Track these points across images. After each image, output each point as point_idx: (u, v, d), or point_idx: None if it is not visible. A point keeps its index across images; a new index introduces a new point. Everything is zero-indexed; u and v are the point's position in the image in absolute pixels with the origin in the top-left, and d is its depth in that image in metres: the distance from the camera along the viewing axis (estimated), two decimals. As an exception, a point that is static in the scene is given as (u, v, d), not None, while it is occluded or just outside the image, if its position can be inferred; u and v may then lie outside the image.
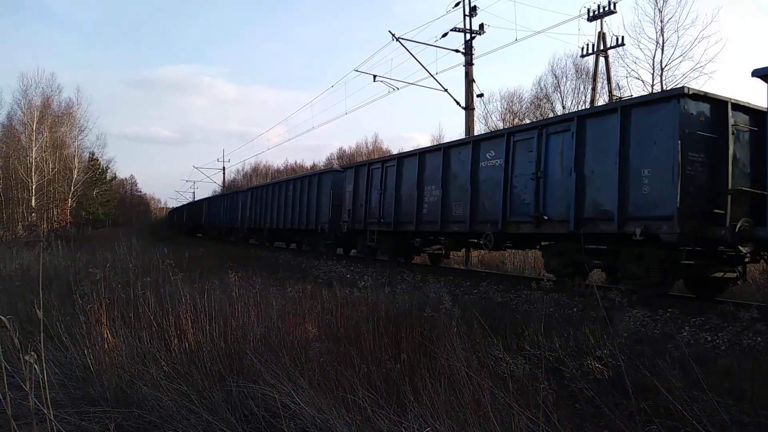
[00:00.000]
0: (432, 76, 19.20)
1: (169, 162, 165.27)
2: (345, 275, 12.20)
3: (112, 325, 4.45)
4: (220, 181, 60.77)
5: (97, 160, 46.45)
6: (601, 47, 24.42)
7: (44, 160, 33.65)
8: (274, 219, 22.84)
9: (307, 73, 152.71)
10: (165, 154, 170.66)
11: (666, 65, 23.25)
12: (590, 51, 24.96)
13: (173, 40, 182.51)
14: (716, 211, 7.14)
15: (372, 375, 3.29)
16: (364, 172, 15.35)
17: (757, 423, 3.02)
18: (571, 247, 8.74)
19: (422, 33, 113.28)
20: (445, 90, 19.34)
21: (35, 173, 32.53)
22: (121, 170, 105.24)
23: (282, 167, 74.14)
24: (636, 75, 24.99)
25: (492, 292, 9.04)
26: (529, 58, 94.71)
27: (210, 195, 50.80)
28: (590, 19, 23.74)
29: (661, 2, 23.28)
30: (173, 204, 74.28)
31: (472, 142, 11.20)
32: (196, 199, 52.11)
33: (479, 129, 25.16)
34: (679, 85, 18.83)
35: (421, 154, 13.08)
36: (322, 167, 56.49)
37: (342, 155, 63.57)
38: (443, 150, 12.04)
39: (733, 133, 7.34)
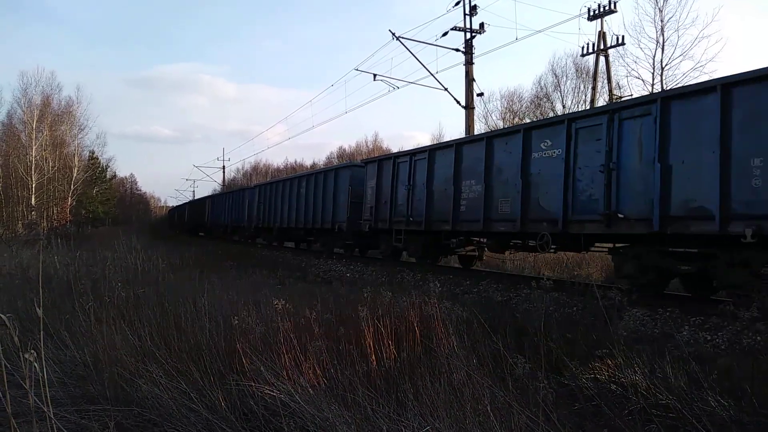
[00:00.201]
0: (432, 75, 19.23)
1: (169, 161, 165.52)
2: (345, 274, 12.21)
3: (111, 324, 4.45)
4: (220, 179, 60.83)
5: (97, 159, 46.50)
6: (602, 46, 24.44)
7: (44, 158, 33.66)
8: (284, 217, 21.62)
9: (307, 72, 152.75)
10: (165, 152, 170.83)
11: (666, 65, 23.31)
12: (590, 50, 24.99)
13: (173, 39, 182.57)
14: None
15: (372, 373, 3.29)
16: (389, 166, 14.03)
17: (756, 422, 3.02)
18: (651, 251, 7.64)
19: (422, 32, 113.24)
20: (446, 89, 19.37)
21: (35, 172, 32.53)
22: (121, 169, 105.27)
23: (282, 166, 74.26)
24: (636, 74, 25.15)
25: (492, 291, 9.04)
26: (530, 58, 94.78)
27: (212, 193, 50.75)
28: (590, 18, 23.76)
29: (662, 2, 23.35)
30: (173, 203, 74.32)
31: (523, 131, 9.86)
32: (198, 197, 51.25)
33: (479, 128, 25.18)
34: (679, 85, 18.72)
35: (458, 145, 11.75)
36: (322, 165, 56.51)
37: (342, 154, 63.61)
38: (486, 140, 10.75)
39: None
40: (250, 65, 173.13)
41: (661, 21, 23.35)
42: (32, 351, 1.99)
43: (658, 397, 3.17)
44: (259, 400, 3.21)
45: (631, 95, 23.64)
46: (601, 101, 25.14)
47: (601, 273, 12.17)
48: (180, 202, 61.99)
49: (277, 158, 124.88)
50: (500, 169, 10.31)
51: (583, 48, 25.43)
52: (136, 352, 4.01)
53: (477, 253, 12.81)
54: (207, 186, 75.84)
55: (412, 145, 47.77)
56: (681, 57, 23.07)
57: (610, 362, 3.99)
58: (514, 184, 9.81)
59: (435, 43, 19.29)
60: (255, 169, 76.59)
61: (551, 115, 29.34)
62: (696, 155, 6.94)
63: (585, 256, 11.87)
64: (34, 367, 2.00)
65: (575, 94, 31.91)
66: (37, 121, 33.67)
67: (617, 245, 8.62)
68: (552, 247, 9.15)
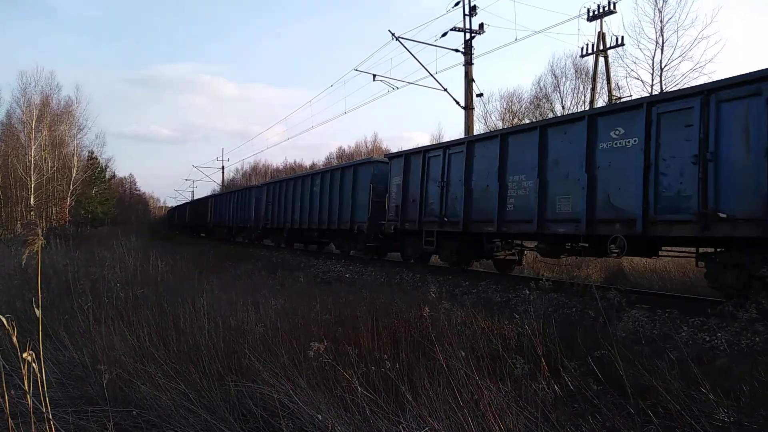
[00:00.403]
0: (432, 75, 19.25)
1: (169, 161, 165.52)
2: (344, 275, 12.20)
3: (110, 324, 4.44)
4: (219, 180, 60.83)
5: (96, 159, 46.47)
6: (601, 47, 24.47)
7: (43, 158, 33.66)
8: (296, 218, 20.33)
9: (307, 72, 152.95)
10: (164, 152, 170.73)
11: (666, 65, 23.33)
12: (590, 51, 25.02)
13: (173, 38, 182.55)
14: None
15: (371, 374, 3.29)
16: (418, 161, 12.86)
17: (755, 423, 3.02)
18: (755, 258, 6.59)
19: (422, 32, 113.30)
20: (445, 89, 19.39)
21: (34, 172, 32.52)
22: (120, 169, 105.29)
23: (281, 166, 74.27)
24: (636, 75, 25.17)
25: (491, 292, 9.04)
26: (529, 58, 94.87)
27: (213, 193, 50.56)
28: (590, 19, 23.80)
29: (661, 2, 23.38)
30: (172, 203, 74.25)
31: (587, 118, 8.69)
32: (199, 197, 50.00)
33: (478, 129, 25.18)
34: (678, 87, 18.51)
35: (503, 136, 10.53)
36: (321, 166, 56.47)
37: (341, 154, 63.67)
38: (539, 130, 9.60)
39: None
40: (250, 64, 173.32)
41: (661, 22, 23.40)
42: (31, 352, 1.99)
43: (658, 398, 3.18)
44: (258, 401, 3.21)
45: (630, 96, 23.70)
46: (600, 102, 25.19)
47: (600, 274, 12.17)
48: (179, 203, 61.90)
49: (277, 158, 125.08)
50: (557, 163, 9.21)
51: (582, 49, 25.48)
52: (135, 353, 4.01)
53: (516, 258, 11.71)
54: (206, 186, 75.98)
55: (412, 146, 47.72)
56: (680, 58, 23.11)
57: (609, 362, 3.98)
58: (577, 179, 8.68)
59: (434, 43, 19.32)
60: (254, 169, 76.74)
61: (551, 116, 29.33)
62: None
63: (584, 258, 11.76)
64: (33, 367, 2.00)
65: (575, 94, 31.98)
66: (36, 121, 33.67)
67: (707, 250, 7.59)
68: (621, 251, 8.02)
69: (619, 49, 24.35)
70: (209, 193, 51.42)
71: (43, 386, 2.11)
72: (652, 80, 23.76)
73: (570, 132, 9.06)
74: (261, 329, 4.24)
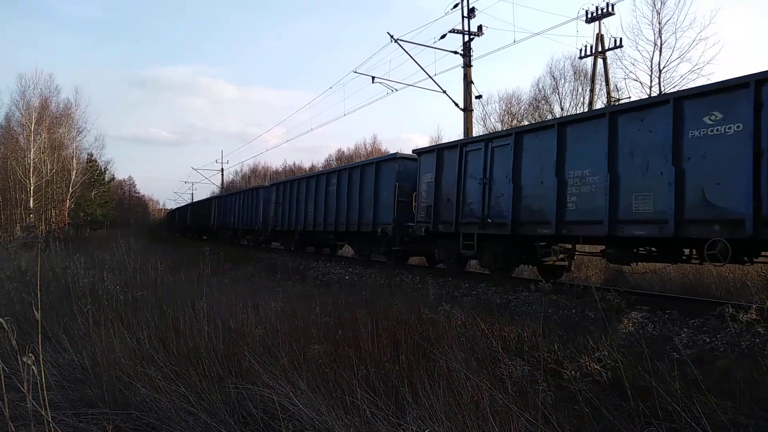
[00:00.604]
0: (430, 77, 19.31)
1: (168, 163, 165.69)
2: (344, 277, 12.21)
3: (110, 326, 4.44)
4: (218, 182, 60.82)
5: (96, 161, 46.41)
6: (599, 49, 24.51)
7: (42, 161, 33.62)
8: (309, 219, 18.88)
9: (306, 73, 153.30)
10: (163, 155, 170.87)
11: (664, 67, 23.39)
12: (588, 53, 25.04)
13: (173, 38, 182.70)
14: None
15: (371, 376, 3.28)
16: (454, 156, 11.60)
17: (755, 425, 3.02)
18: None
19: (421, 34, 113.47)
20: (444, 91, 19.43)
21: (33, 174, 32.49)
22: (120, 171, 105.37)
23: (281, 168, 74.27)
24: (634, 77, 25.21)
25: (491, 294, 9.03)
26: (528, 60, 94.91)
27: (214, 194, 50.41)
28: (588, 20, 23.83)
29: (659, 4, 23.44)
30: (172, 205, 74.24)
31: (673, 101, 7.41)
32: (201, 198, 48.95)
33: (478, 130, 25.23)
34: (677, 88, 18.46)
35: (560, 125, 9.24)
36: (321, 168, 56.47)
37: (341, 156, 63.72)
38: (609, 117, 8.29)
39: None
40: (250, 66, 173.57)
41: (659, 23, 23.46)
42: (30, 354, 1.98)
43: (658, 400, 3.17)
44: (258, 403, 3.20)
45: (629, 98, 23.74)
46: (599, 103, 25.21)
47: (600, 276, 12.17)
48: (179, 205, 61.76)
49: (276, 161, 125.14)
50: (632, 154, 7.94)
51: (581, 50, 25.50)
52: (135, 355, 4.01)
53: (566, 263, 10.31)
54: (205, 189, 76.01)
55: (412, 147, 47.60)
56: (679, 59, 23.18)
57: (609, 364, 3.99)
58: (660, 173, 7.47)
59: (433, 45, 19.36)
60: (253, 171, 76.73)
61: (549, 117, 29.35)
62: None
63: (583, 258, 11.79)
64: (32, 370, 2.00)
65: (573, 96, 32.02)
66: (35, 124, 33.63)
67: None
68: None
69: (618, 50, 24.45)
70: (208, 196, 51.39)
71: (42, 389, 2.11)
72: (651, 81, 23.83)
73: (648, 119, 7.80)
74: (261, 331, 4.24)
